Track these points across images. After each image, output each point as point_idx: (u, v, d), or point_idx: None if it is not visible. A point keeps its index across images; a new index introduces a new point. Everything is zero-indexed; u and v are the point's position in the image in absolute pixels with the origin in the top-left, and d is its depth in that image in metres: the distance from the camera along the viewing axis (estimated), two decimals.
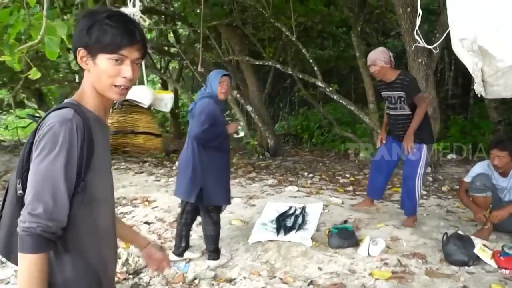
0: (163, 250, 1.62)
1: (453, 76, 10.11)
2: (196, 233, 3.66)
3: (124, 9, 2.86)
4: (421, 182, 3.69)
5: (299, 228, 3.62)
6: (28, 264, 1.08)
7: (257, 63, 7.97)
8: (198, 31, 8.71)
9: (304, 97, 10.63)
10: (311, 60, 7.55)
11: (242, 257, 3.34)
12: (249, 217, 4.09)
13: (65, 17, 3.92)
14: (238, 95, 8.33)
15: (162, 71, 11.66)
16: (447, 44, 2.07)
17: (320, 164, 7.65)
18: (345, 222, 3.75)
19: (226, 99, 3.39)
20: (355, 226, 3.63)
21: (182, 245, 3.37)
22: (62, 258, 1.16)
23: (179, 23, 10.48)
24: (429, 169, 6.25)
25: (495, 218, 3.22)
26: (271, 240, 3.45)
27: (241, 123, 3.35)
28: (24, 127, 13.70)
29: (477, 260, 2.93)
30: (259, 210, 4.22)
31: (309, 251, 3.23)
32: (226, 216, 4.14)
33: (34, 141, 1.13)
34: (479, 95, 1.59)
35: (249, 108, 8.22)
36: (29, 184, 1.10)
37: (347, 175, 6.43)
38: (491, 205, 3.32)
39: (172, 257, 3.40)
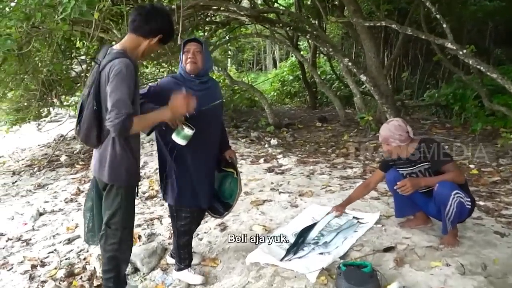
0: None
1: None
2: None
3: None
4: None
5: (317, 249, 2.69)
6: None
7: (367, 24, 6.59)
8: None
9: (462, 60, 8.63)
10: (438, 16, 5.86)
11: (230, 281, 2.60)
12: (278, 223, 3.25)
13: None
14: (349, 63, 7.15)
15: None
16: None
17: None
18: (388, 249, 2.62)
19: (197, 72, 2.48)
20: (398, 259, 2.50)
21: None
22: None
23: None
24: None
25: None
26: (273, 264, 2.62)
27: (188, 131, 2.28)
28: None
29: None
30: (299, 214, 3.35)
31: None
32: (253, 218, 3.41)
33: (107, 76, 2.01)
34: None
35: (363, 78, 6.96)
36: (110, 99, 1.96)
37: (471, 166, 4.88)
38: None
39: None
